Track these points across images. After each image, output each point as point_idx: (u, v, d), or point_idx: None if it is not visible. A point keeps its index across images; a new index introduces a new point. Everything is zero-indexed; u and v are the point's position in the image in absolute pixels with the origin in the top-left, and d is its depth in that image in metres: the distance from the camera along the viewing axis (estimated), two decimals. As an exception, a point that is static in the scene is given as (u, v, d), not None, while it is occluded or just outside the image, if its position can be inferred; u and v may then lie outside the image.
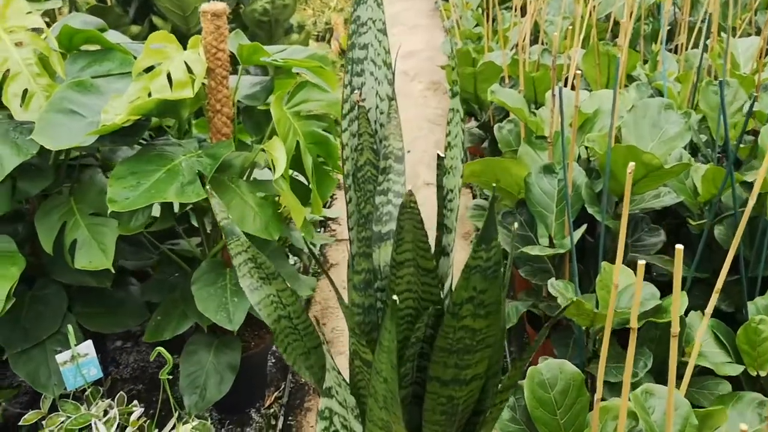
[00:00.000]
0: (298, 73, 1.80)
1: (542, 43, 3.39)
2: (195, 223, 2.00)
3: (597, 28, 3.22)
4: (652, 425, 1.22)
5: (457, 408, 0.64)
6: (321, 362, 0.74)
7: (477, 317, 0.59)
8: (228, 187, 1.68)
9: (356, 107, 0.68)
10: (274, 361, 2.21)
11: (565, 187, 1.70)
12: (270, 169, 1.80)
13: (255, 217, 1.65)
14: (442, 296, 0.62)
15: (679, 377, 1.68)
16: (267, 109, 1.87)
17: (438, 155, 0.68)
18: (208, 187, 1.49)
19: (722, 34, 3.07)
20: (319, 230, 2.97)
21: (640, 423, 1.26)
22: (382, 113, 0.71)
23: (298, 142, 1.69)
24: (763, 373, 1.58)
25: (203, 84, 1.70)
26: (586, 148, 2.11)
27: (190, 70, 1.62)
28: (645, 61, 3.09)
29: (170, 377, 1.69)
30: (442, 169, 0.68)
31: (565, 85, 2.43)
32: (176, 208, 1.81)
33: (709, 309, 1.32)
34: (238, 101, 1.83)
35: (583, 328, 1.67)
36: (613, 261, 1.88)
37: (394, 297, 0.55)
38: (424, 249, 0.60)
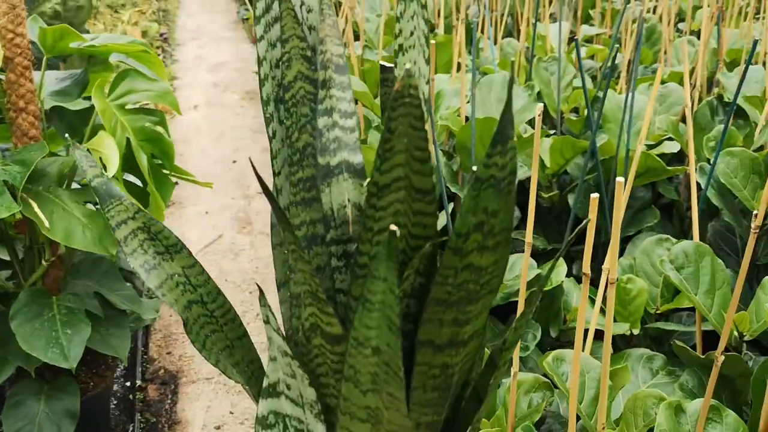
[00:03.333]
0: (121, 62, 1.56)
1: (361, 40, 3.35)
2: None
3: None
4: (567, 393, 1.15)
5: (451, 381, 0.50)
6: (250, 356, 0.56)
7: (484, 251, 0.45)
8: (46, 198, 1.40)
9: (276, 3, 0.52)
10: (116, 402, 1.92)
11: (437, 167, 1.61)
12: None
13: (85, 231, 1.39)
14: (437, 229, 0.47)
15: (567, 343, 1.66)
16: (81, 108, 1.61)
17: (382, 66, 0.53)
18: (22, 195, 1.23)
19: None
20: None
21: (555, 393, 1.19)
22: (310, 11, 0.55)
23: (128, 139, 1.46)
24: (636, 331, 1.58)
25: None
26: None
27: (-18, 61, 1.33)
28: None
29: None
30: (388, 84, 0.53)
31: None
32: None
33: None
34: (45, 100, 1.55)
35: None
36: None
37: (393, 227, 0.39)
38: (421, 160, 0.44)
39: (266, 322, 0.49)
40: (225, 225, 2.90)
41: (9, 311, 1.45)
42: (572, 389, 0.89)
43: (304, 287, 0.46)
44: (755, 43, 1.39)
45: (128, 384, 1.99)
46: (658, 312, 1.63)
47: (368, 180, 0.45)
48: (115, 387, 1.97)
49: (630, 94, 1.86)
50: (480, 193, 0.42)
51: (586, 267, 0.79)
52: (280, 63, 0.52)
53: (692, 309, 1.62)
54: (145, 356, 2.10)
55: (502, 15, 3.33)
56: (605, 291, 1.63)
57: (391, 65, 0.53)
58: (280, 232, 0.56)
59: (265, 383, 0.53)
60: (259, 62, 0.52)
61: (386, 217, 0.45)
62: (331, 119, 0.52)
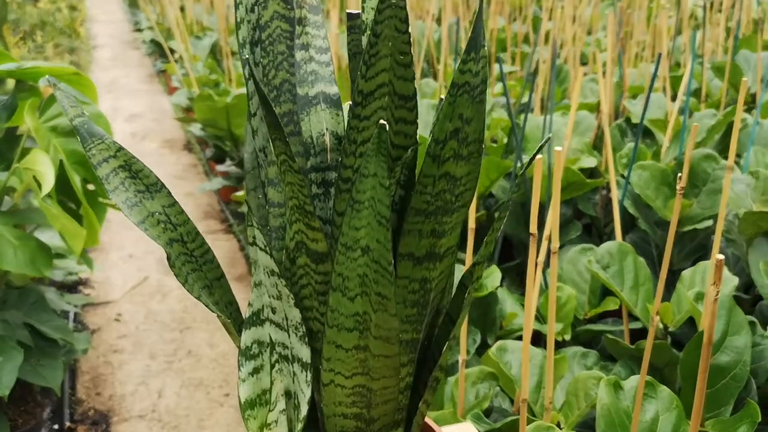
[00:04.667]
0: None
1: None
2: None
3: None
4: (512, 379, 1.19)
5: (428, 297, 0.53)
6: (228, 297, 0.57)
7: (459, 159, 0.49)
8: (-26, 221, 1.36)
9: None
10: (43, 445, 1.83)
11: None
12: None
13: (16, 252, 1.35)
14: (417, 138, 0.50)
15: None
16: (7, 136, 1.58)
17: (349, 14, 0.57)
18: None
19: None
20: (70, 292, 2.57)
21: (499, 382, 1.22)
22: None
23: (61, 161, 1.44)
24: (567, 337, 1.65)
25: (-74, 99, 1.38)
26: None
27: None
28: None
29: None
30: (354, 31, 0.56)
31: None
32: None
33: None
34: (-28, 125, 1.51)
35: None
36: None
37: (382, 121, 0.42)
38: (404, 65, 0.48)
39: (252, 243, 0.51)
40: (150, 268, 2.84)
41: (-68, 343, 1.39)
42: (524, 351, 0.92)
43: (292, 201, 0.49)
44: (659, 57, 1.52)
45: (56, 427, 1.90)
46: (587, 318, 1.71)
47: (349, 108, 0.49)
48: (42, 431, 1.88)
49: (549, 116, 1.98)
50: (456, 99, 0.47)
51: (533, 227, 0.84)
52: (256, 6, 0.55)
53: (618, 314, 1.70)
54: (72, 398, 2.01)
55: (419, 59, 3.47)
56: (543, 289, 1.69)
57: (358, 12, 0.57)
58: (254, 177, 0.58)
59: (248, 313, 0.54)
60: (236, 6, 0.56)
61: (370, 126, 0.48)
62: (307, 53, 0.55)
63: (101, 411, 1.97)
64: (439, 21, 4.39)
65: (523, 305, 1.68)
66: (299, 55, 0.55)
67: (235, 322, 0.56)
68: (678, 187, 0.80)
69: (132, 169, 0.54)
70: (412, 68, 0.47)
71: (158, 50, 6.03)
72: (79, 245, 1.38)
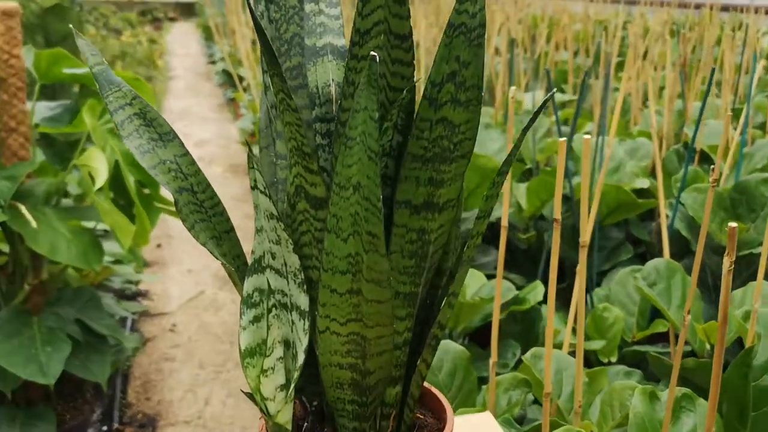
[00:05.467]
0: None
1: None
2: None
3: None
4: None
5: (427, 250, 0.53)
6: (236, 251, 0.59)
7: (457, 105, 0.49)
8: (32, 214, 1.43)
9: None
10: (91, 442, 1.87)
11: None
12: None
13: (69, 246, 1.41)
14: (415, 79, 0.51)
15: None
16: (71, 140, 1.66)
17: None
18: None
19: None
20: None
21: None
22: None
23: (117, 162, 1.50)
24: (614, 359, 1.59)
25: (-4, 99, 1.47)
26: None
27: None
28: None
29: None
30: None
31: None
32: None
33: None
34: (36, 125, 1.60)
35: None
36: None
37: (373, 53, 0.43)
38: (398, 1, 0.49)
39: (254, 187, 0.52)
40: (206, 282, 2.91)
41: (-12, 330, 1.45)
42: (547, 337, 0.90)
43: (290, 143, 0.50)
44: (713, 71, 1.49)
45: (105, 428, 1.94)
46: (635, 340, 1.65)
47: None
48: (91, 431, 1.92)
49: (601, 137, 1.96)
50: (452, 41, 0.47)
51: (557, 213, 0.83)
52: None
53: (668, 338, 1.65)
54: (123, 401, 2.06)
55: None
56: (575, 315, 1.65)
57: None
58: (268, 135, 0.60)
59: (250, 261, 0.55)
60: (252, -35, 0.58)
61: (366, 67, 0.49)
62: (317, 6, 0.57)
63: (149, 415, 2.01)
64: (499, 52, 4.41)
65: (566, 323, 1.64)
66: (309, 7, 0.56)
67: (241, 274, 0.57)
68: (710, 179, 0.78)
69: (147, 117, 0.57)
70: (407, 5, 0.48)
71: (229, 81, 6.24)
72: (127, 240, 1.43)
